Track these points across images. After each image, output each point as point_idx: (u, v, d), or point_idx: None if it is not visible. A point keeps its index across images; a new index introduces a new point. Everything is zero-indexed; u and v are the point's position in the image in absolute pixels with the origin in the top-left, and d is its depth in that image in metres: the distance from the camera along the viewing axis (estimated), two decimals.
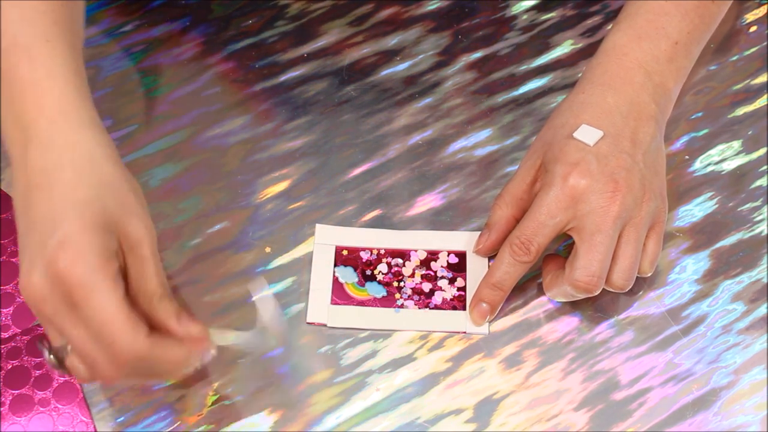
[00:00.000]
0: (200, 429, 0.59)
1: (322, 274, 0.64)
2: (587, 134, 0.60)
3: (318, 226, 0.66)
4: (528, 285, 0.64)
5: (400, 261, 0.64)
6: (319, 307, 0.63)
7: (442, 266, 0.64)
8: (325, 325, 0.63)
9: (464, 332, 0.62)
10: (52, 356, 0.50)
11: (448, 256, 0.65)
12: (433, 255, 0.65)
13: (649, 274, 0.61)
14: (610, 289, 0.60)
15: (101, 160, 0.51)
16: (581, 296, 0.59)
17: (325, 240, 0.65)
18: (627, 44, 0.63)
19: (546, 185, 0.59)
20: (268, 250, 0.65)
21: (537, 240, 0.59)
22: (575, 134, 0.60)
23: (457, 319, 0.63)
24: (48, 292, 0.47)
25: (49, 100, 0.52)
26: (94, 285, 0.47)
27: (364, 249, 0.65)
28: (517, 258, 0.60)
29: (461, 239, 0.65)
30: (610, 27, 0.66)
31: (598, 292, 0.59)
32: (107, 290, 0.47)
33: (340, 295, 0.63)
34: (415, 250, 0.65)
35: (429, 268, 0.64)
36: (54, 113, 0.51)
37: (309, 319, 0.63)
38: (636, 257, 0.59)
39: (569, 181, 0.58)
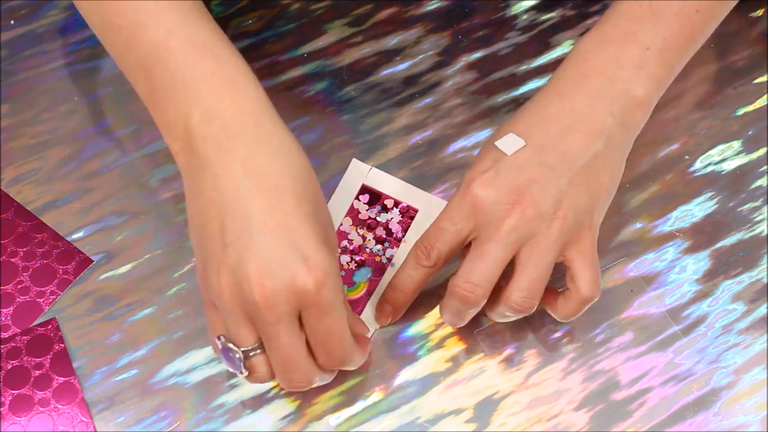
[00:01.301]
0: (200, 429, 0.59)
1: None
2: (507, 143, 0.57)
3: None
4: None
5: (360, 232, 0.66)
6: None
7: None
8: None
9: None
10: (239, 353, 0.51)
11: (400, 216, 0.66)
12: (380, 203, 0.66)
13: (594, 298, 0.57)
14: (509, 313, 0.57)
15: (310, 170, 0.53)
16: (464, 308, 0.57)
17: None
18: (590, 49, 0.59)
19: (455, 192, 0.58)
20: None
21: (437, 246, 0.57)
22: (496, 142, 0.57)
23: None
24: (282, 301, 0.49)
25: (247, 98, 0.52)
26: (334, 305, 0.50)
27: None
28: (419, 262, 0.58)
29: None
30: None
31: (479, 305, 0.56)
32: (343, 310, 0.51)
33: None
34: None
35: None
36: (255, 111, 0.51)
37: None
38: (537, 277, 0.55)
39: (472, 189, 0.56)
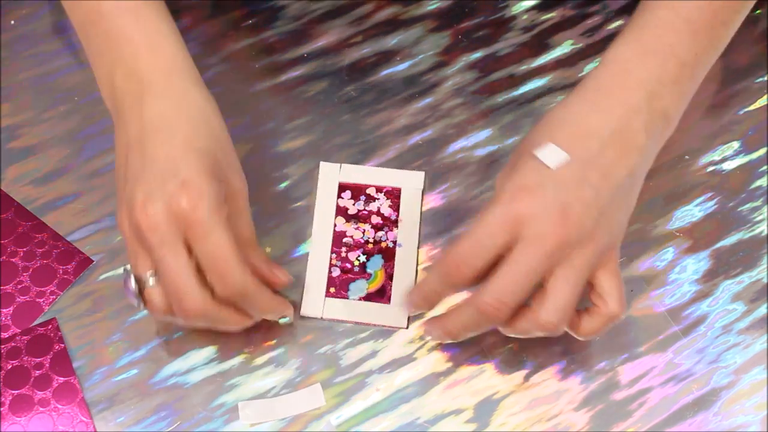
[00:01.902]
0: (200, 429, 0.59)
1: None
2: (551, 155, 0.54)
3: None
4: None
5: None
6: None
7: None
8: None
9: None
10: (134, 283, 0.55)
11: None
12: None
13: (622, 315, 0.56)
14: (538, 332, 0.55)
15: (212, 116, 0.57)
16: (484, 325, 0.55)
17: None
18: (631, 59, 0.56)
19: (492, 202, 0.54)
20: (268, 250, 0.65)
21: (472, 262, 0.54)
22: (537, 152, 0.54)
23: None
24: (162, 222, 0.52)
25: (163, 57, 0.57)
26: (213, 225, 0.52)
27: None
28: (449, 280, 0.55)
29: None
30: (614, 32, 0.63)
31: (502, 322, 0.54)
32: (224, 230, 0.53)
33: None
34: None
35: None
36: (169, 68, 0.57)
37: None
38: (570, 298, 0.53)
39: (516, 202, 0.53)
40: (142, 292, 0.55)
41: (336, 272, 0.64)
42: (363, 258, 0.65)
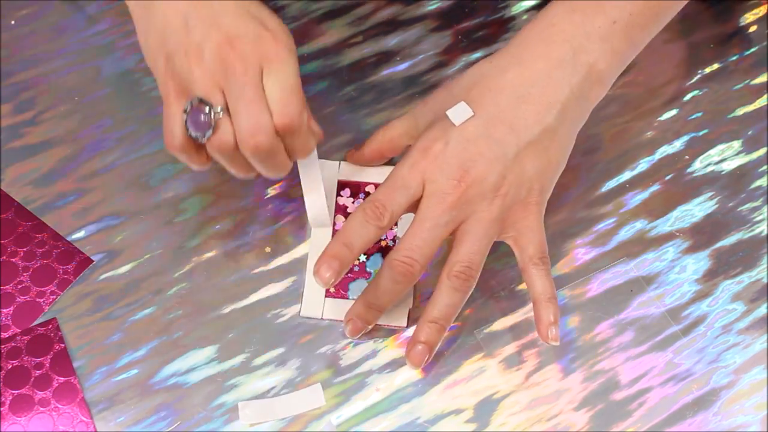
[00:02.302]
0: (200, 429, 0.60)
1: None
2: (457, 113, 0.58)
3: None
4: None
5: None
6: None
7: None
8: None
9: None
10: (209, 111, 0.54)
11: None
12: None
13: (543, 255, 0.58)
14: (453, 286, 0.57)
15: None
16: (401, 283, 0.57)
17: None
18: (557, 14, 0.58)
19: (403, 157, 0.59)
20: (268, 249, 0.65)
21: (391, 208, 0.57)
22: (447, 111, 0.58)
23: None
24: (249, 52, 0.53)
25: None
26: (289, 61, 0.54)
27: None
28: (369, 220, 0.57)
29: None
30: None
31: (415, 279, 0.57)
32: (296, 70, 0.55)
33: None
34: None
35: None
36: None
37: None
38: (476, 250, 0.57)
39: (421, 159, 0.57)
40: (213, 122, 0.55)
41: None
42: (362, 257, 0.65)
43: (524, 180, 0.57)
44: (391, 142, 0.63)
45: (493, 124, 0.57)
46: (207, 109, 0.54)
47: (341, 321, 0.63)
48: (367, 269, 0.64)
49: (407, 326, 0.63)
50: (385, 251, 0.65)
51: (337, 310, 0.63)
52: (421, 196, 0.58)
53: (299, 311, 0.63)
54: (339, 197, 0.66)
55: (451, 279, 0.57)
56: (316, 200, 0.63)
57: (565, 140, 0.59)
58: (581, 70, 0.57)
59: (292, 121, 0.55)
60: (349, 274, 0.64)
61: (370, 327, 0.60)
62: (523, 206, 0.58)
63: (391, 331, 0.63)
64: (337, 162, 0.67)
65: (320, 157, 0.68)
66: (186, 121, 0.55)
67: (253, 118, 0.54)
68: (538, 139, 0.57)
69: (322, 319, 0.63)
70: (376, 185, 0.67)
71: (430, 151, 0.57)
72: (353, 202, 0.66)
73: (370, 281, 0.60)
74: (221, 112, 0.54)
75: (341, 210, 0.66)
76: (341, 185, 0.67)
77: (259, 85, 0.54)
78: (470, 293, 0.58)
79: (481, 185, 0.56)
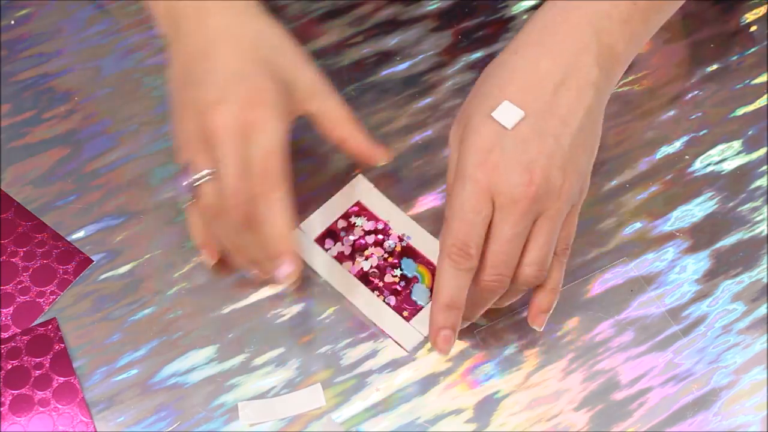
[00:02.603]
0: (200, 429, 0.60)
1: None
2: (506, 115, 0.55)
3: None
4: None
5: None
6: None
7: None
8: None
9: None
10: (191, 179, 0.57)
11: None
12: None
13: (562, 259, 0.58)
14: (520, 284, 0.56)
15: (273, 25, 0.60)
16: (490, 300, 0.57)
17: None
18: None
19: (460, 178, 0.55)
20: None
21: (474, 240, 0.54)
22: (494, 114, 0.55)
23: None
24: (232, 121, 0.55)
25: None
26: (274, 126, 0.56)
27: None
28: (460, 266, 0.55)
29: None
30: None
31: (504, 289, 0.56)
32: (280, 133, 0.57)
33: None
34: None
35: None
36: None
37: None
38: (549, 249, 0.56)
39: (481, 174, 0.54)
40: (193, 185, 0.57)
41: (392, 301, 0.63)
42: (397, 272, 0.64)
43: (581, 169, 0.56)
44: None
45: (544, 119, 0.55)
46: (190, 176, 0.57)
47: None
48: (409, 275, 0.64)
49: (408, 352, 0.62)
50: (406, 251, 0.64)
51: (424, 321, 0.62)
52: (493, 210, 0.55)
53: (407, 349, 0.62)
54: (329, 251, 0.65)
55: (521, 281, 0.56)
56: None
57: (601, 119, 0.58)
58: (605, 51, 0.56)
59: (271, 186, 0.56)
60: (403, 292, 0.64)
61: (457, 334, 0.58)
62: (580, 194, 0.57)
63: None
64: (371, 186, 0.67)
65: (321, 155, 0.68)
66: (178, 181, 0.59)
67: (233, 184, 0.56)
68: (583, 123, 0.56)
69: (426, 337, 0.62)
70: (342, 217, 0.66)
71: (488, 163, 0.54)
72: (342, 245, 0.65)
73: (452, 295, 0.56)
74: (206, 178, 0.57)
75: (342, 258, 0.65)
76: (320, 240, 0.65)
77: (241, 148, 0.56)
78: None
79: (548, 184, 0.54)
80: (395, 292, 0.63)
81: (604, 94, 0.58)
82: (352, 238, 0.65)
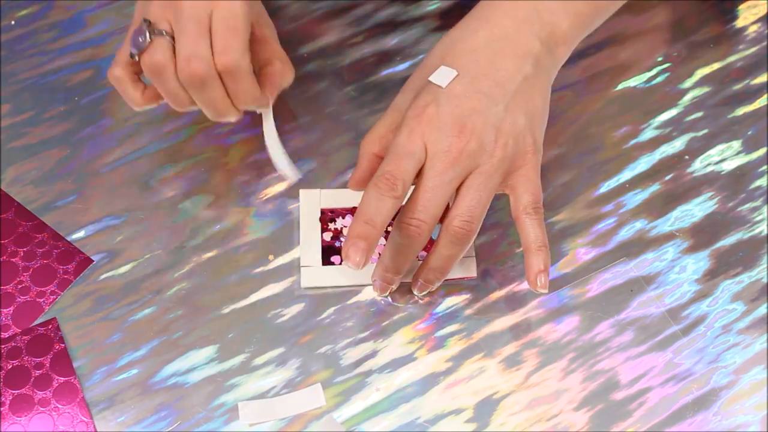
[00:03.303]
0: (200, 429, 0.60)
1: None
2: (441, 76, 0.59)
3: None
4: (527, 285, 0.64)
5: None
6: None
7: None
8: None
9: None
10: (148, 33, 0.58)
11: None
12: None
13: (537, 202, 0.59)
14: (452, 241, 0.58)
15: None
16: (410, 247, 0.58)
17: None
18: None
19: (398, 127, 0.59)
20: (271, 257, 0.65)
21: (402, 177, 0.57)
22: (430, 78, 0.59)
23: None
24: None
25: None
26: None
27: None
28: (384, 193, 0.57)
29: None
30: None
31: (425, 241, 0.58)
32: (241, 5, 0.58)
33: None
34: None
35: None
36: None
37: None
38: (477, 203, 0.58)
39: (415, 123, 0.58)
40: (148, 38, 0.58)
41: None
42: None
43: (519, 130, 0.58)
44: (384, 139, 0.62)
45: (478, 79, 0.58)
46: (147, 29, 0.58)
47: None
48: None
49: (476, 276, 0.64)
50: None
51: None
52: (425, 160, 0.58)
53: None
54: (322, 227, 0.66)
55: (450, 233, 0.58)
56: (277, 151, 0.64)
57: (545, 89, 0.61)
58: (547, 28, 0.60)
59: (231, 60, 0.57)
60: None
61: (394, 287, 0.62)
62: (521, 156, 0.59)
63: (390, 332, 0.63)
64: (318, 190, 0.67)
65: (321, 155, 0.69)
66: (130, 38, 0.59)
67: (191, 47, 0.57)
68: (521, 89, 0.59)
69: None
70: (353, 211, 0.66)
71: (424, 115, 0.58)
72: (332, 237, 0.66)
73: (386, 245, 0.60)
74: (161, 35, 0.58)
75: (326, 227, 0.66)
76: (324, 214, 0.66)
77: (203, 22, 0.57)
78: (469, 244, 0.59)
79: (480, 138, 0.57)
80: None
81: (547, 69, 0.61)
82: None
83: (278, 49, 0.63)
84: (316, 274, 0.64)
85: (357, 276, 0.64)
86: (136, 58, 0.59)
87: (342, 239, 0.65)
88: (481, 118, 0.57)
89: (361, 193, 0.59)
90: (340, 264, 0.64)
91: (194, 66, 0.57)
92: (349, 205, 0.66)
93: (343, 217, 0.66)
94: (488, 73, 0.59)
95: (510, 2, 0.60)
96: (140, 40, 0.58)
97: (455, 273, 0.64)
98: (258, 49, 0.63)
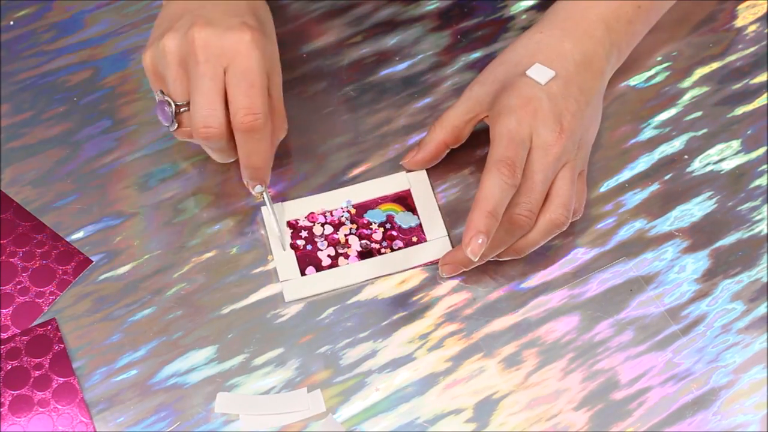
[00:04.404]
0: (200, 429, 0.60)
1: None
2: (540, 73, 0.62)
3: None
4: (527, 284, 0.64)
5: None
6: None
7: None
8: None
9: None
10: (169, 106, 0.60)
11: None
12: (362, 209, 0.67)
13: (579, 216, 0.64)
14: (549, 225, 0.61)
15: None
16: (518, 236, 0.61)
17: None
18: None
19: (505, 113, 0.60)
20: (270, 257, 0.65)
21: (518, 163, 0.59)
22: (528, 72, 0.62)
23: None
24: (214, 42, 0.57)
25: None
26: (257, 58, 0.58)
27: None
28: (506, 180, 0.58)
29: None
30: None
31: (529, 228, 0.61)
32: (257, 57, 0.58)
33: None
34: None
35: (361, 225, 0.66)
36: None
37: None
38: (571, 195, 0.61)
39: (523, 113, 0.60)
40: (175, 116, 0.60)
41: (399, 243, 0.65)
42: (374, 226, 0.66)
43: (590, 137, 0.64)
44: (457, 129, 0.65)
45: (568, 85, 0.62)
46: (170, 105, 0.60)
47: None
48: (376, 220, 0.66)
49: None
50: (360, 210, 0.66)
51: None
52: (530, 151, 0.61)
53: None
54: (293, 234, 0.66)
55: (552, 222, 0.61)
56: (272, 220, 0.64)
57: (601, 107, 0.66)
58: (613, 49, 0.65)
59: (256, 121, 0.58)
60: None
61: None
62: (585, 162, 0.64)
63: (389, 332, 0.63)
64: (280, 203, 0.67)
65: (319, 156, 0.69)
66: (157, 108, 0.61)
67: (206, 109, 0.58)
68: (595, 102, 0.64)
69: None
70: (313, 215, 0.66)
71: (530, 107, 0.60)
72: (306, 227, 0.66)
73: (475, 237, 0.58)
74: (185, 108, 0.59)
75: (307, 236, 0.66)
76: (291, 226, 0.66)
77: (218, 77, 0.58)
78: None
79: (572, 138, 0.61)
80: (392, 237, 0.65)
81: (605, 85, 0.66)
82: (324, 243, 0.65)
83: (278, 104, 0.62)
84: (298, 286, 0.64)
85: (340, 278, 0.64)
86: (170, 131, 0.61)
87: (317, 241, 0.65)
88: (574, 119, 0.61)
89: (325, 196, 0.64)
90: (318, 272, 0.64)
91: (211, 132, 0.58)
92: (314, 210, 0.66)
93: (313, 223, 0.66)
94: (576, 81, 0.62)
95: (585, 20, 0.64)
96: (168, 112, 0.60)
97: (436, 255, 0.65)
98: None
